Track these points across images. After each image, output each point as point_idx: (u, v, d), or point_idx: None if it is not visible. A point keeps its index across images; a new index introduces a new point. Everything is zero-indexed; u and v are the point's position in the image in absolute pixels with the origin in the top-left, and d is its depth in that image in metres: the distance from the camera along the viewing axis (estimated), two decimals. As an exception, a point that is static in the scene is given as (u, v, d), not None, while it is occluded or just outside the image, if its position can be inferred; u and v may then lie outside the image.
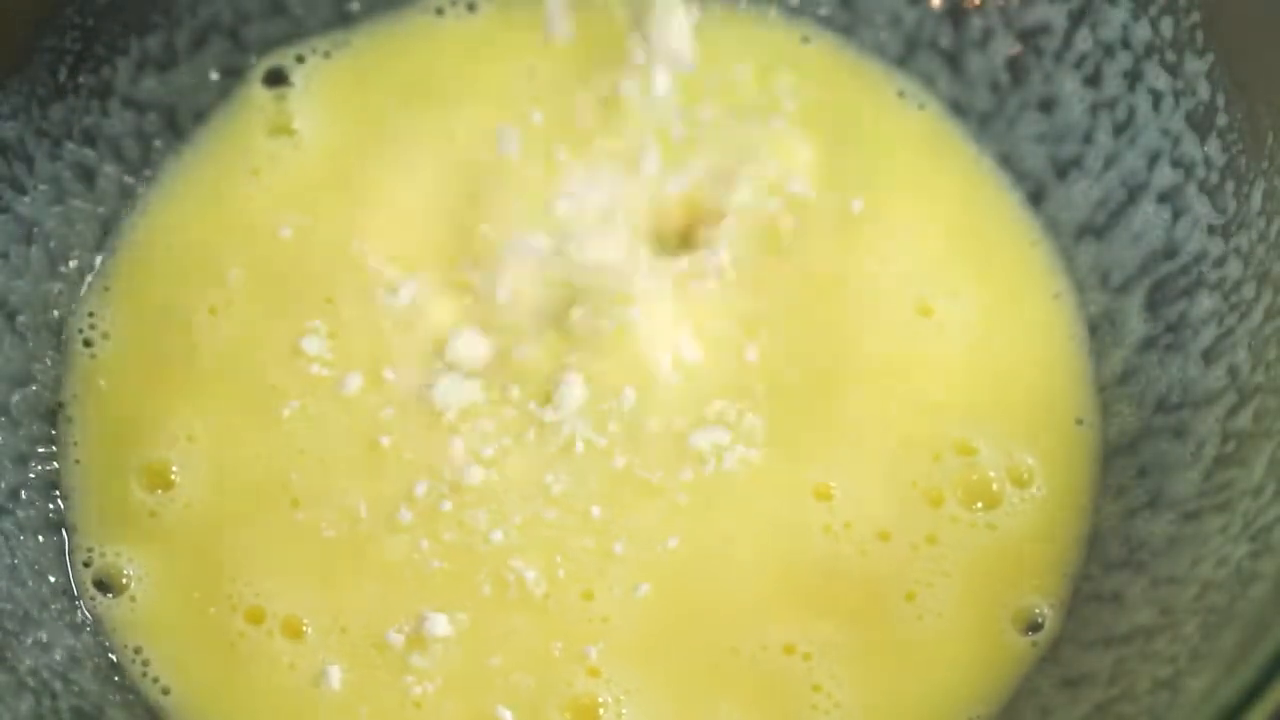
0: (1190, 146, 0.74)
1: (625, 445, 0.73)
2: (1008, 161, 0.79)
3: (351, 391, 0.74)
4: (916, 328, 0.76)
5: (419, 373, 0.74)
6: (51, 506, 0.73)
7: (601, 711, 0.69)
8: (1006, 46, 0.79)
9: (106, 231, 0.77)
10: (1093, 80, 0.77)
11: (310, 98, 0.80)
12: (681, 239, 0.77)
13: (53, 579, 0.71)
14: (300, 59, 0.81)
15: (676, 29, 0.79)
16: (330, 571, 0.71)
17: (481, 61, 0.81)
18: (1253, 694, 0.60)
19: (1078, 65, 0.77)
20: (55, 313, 0.76)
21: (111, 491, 0.73)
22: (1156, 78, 0.75)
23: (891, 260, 0.77)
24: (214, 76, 0.80)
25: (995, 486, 0.73)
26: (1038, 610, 0.72)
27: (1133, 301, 0.75)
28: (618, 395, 0.73)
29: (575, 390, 0.73)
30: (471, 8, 0.82)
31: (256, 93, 0.80)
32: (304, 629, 0.71)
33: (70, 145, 0.77)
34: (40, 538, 0.72)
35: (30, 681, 0.67)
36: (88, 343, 0.76)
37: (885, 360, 0.75)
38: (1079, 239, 0.77)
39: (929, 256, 0.77)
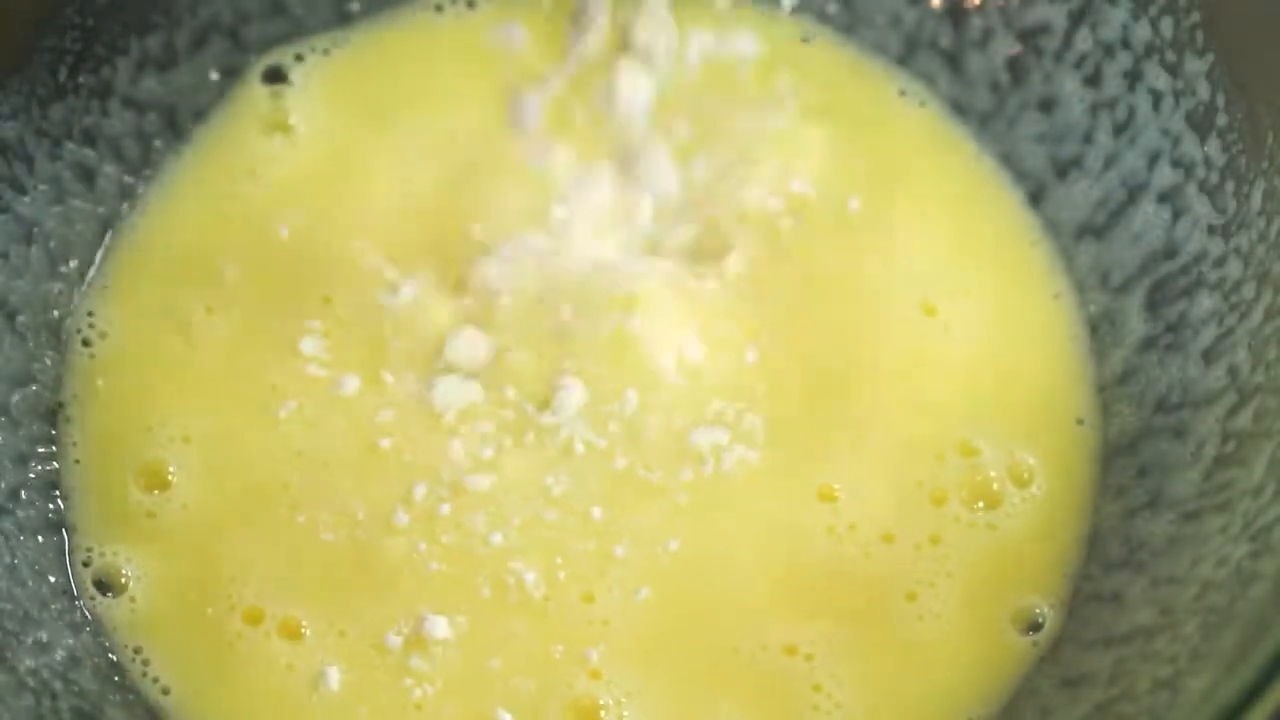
0: (1190, 146, 0.74)
1: (625, 446, 0.73)
2: (1008, 161, 0.79)
3: (350, 392, 0.74)
4: (917, 328, 0.76)
5: (418, 373, 0.74)
6: (51, 507, 0.73)
7: (603, 714, 0.69)
8: (1006, 46, 0.79)
9: (106, 231, 0.77)
10: (1093, 80, 0.77)
11: (309, 96, 0.80)
12: (682, 239, 0.77)
13: (53, 579, 0.71)
14: (299, 57, 0.80)
15: (665, 29, 0.79)
16: (329, 573, 0.71)
17: (481, 59, 0.80)
18: (1253, 694, 0.60)
19: (1078, 65, 0.77)
20: (55, 313, 0.76)
21: (111, 492, 0.73)
22: (1156, 78, 0.75)
23: (891, 260, 0.77)
24: (214, 76, 0.80)
25: (996, 486, 0.73)
26: (1038, 610, 0.71)
27: (1133, 301, 0.75)
28: (620, 397, 0.73)
29: (575, 392, 0.73)
30: (471, 4, 0.82)
31: (256, 92, 0.80)
32: (302, 630, 0.70)
33: (70, 145, 0.76)
34: (40, 538, 0.72)
35: (30, 681, 0.67)
36: (87, 342, 0.76)
37: (887, 360, 0.75)
38: (1079, 239, 0.77)
39: (929, 256, 0.77)
